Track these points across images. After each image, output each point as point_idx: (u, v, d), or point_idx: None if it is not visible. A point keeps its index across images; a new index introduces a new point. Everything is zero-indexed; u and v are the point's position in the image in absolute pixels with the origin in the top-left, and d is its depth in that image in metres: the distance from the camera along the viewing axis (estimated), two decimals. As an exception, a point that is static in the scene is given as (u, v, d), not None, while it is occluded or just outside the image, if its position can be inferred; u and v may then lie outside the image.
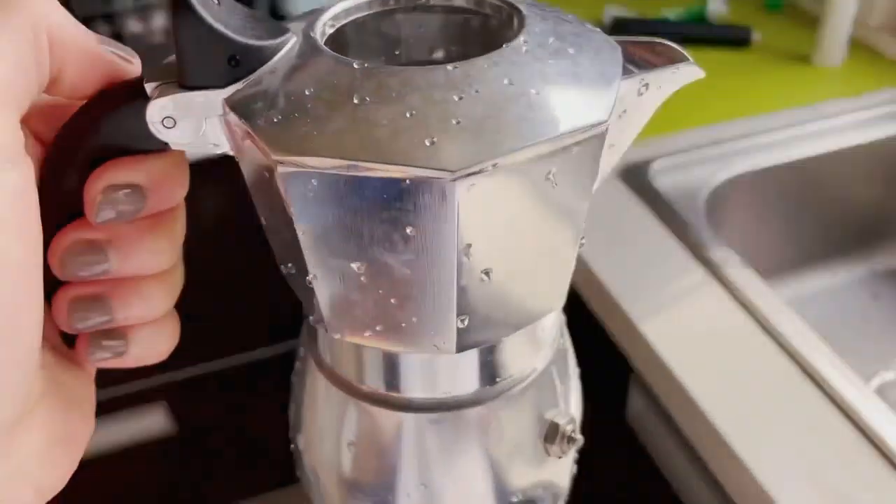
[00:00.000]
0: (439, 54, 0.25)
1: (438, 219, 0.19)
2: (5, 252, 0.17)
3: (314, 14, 0.23)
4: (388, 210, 0.19)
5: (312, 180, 0.19)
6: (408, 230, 0.19)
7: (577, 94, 0.20)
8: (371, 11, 0.24)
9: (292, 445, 0.29)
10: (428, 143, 0.18)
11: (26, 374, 0.19)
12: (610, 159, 0.23)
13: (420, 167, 0.18)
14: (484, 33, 0.24)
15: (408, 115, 0.19)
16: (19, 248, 0.18)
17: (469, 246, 0.20)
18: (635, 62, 0.22)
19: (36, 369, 0.19)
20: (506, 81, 0.19)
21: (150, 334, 0.22)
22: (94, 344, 0.21)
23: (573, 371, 0.29)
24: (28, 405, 0.19)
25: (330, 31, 0.22)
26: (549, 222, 0.21)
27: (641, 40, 0.23)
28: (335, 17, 0.23)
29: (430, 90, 0.19)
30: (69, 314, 0.21)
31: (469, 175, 0.18)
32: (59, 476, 0.20)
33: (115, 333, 0.21)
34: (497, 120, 0.19)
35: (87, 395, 0.22)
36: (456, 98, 0.19)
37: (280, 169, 0.19)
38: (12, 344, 0.18)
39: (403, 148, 0.18)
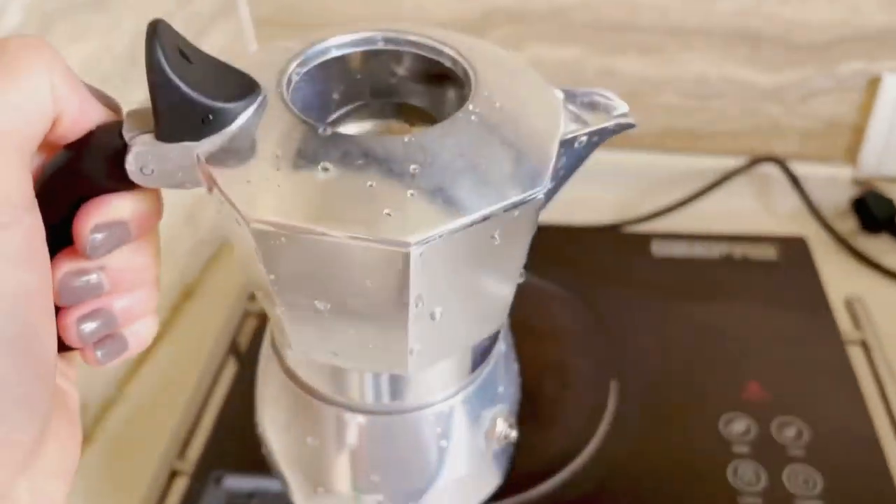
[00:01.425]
0: (404, 95, 0.27)
1: (393, 276, 0.21)
2: (26, 283, 0.19)
3: (284, 56, 0.24)
4: (348, 267, 0.22)
5: (281, 238, 0.21)
6: (367, 283, 0.22)
7: (519, 164, 0.22)
8: (339, 54, 0.26)
9: (258, 429, 0.32)
10: (386, 213, 0.21)
11: (47, 388, 0.21)
12: (546, 201, 0.25)
13: (377, 240, 0.20)
14: (442, 80, 0.26)
15: (368, 185, 0.21)
16: (35, 278, 0.20)
17: (419, 295, 0.22)
18: (577, 114, 0.24)
19: (53, 383, 0.21)
20: (456, 153, 0.22)
21: (141, 326, 0.24)
22: (102, 348, 0.24)
23: (512, 371, 0.32)
24: (49, 418, 0.21)
25: (296, 78, 0.24)
26: (491, 270, 0.24)
27: (584, 91, 0.25)
28: (303, 63, 0.25)
29: (389, 162, 0.21)
30: (79, 332, 0.23)
31: (421, 244, 0.21)
32: (67, 485, 0.23)
33: (117, 335, 0.24)
34: (448, 192, 0.21)
35: (75, 397, 0.25)
36: (411, 170, 0.21)
37: (251, 226, 0.21)
38: (38, 360, 0.20)
39: (364, 218, 0.21)
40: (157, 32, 0.20)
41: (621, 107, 0.25)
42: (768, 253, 0.50)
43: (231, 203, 0.21)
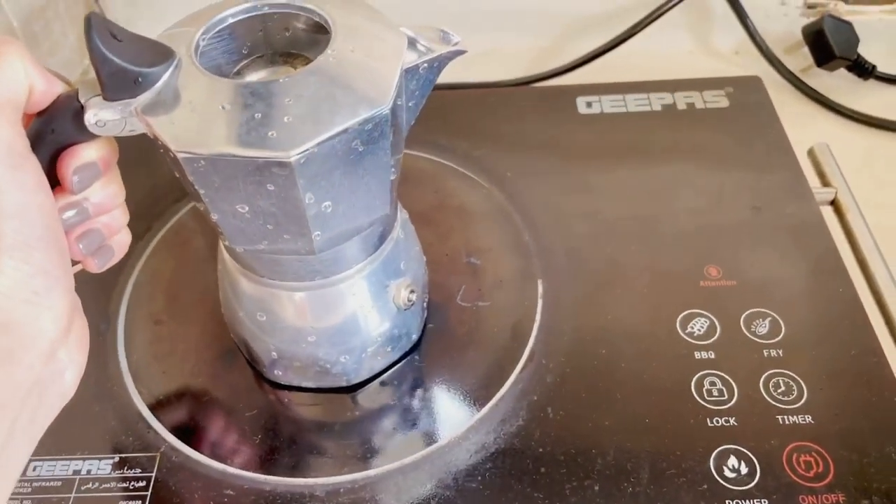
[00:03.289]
0: (290, 47, 0.35)
1: (285, 181, 0.30)
2: (44, 203, 0.28)
3: (191, 28, 0.32)
4: (252, 178, 0.30)
5: (201, 161, 0.30)
6: (269, 187, 0.31)
7: (367, 90, 0.30)
8: (235, 20, 0.34)
9: (225, 317, 0.42)
10: (271, 135, 0.29)
11: (70, 275, 0.29)
12: (412, 115, 0.34)
13: (267, 155, 0.29)
14: (318, 31, 0.34)
15: (257, 116, 0.29)
16: (49, 201, 0.28)
17: (309, 194, 0.31)
18: (420, 47, 0.33)
19: (72, 274, 0.30)
20: (319, 86, 0.30)
21: (121, 237, 0.34)
22: (97, 258, 0.33)
23: (413, 245, 0.41)
24: (75, 298, 0.30)
25: (203, 44, 0.32)
26: (361, 170, 0.32)
27: (427, 27, 0.33)
28: (206, 32, 0.33)
29: (270, 97, 0.29)
30: (80, 248, 0.32)
31: (299, 154, 0.29)
32: (85, 358, 0.32)
33: (105, 246, 0.33)
34: (314, 115, 0.29)
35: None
36: (286, 102, 0.29)
37: (178, 155, 0.30)
38: (63, 253, 0.29)
39: (255, 140, 0.29)
40: (91, 23, 0.28)
41: (455, 38, 0.33)
42: (718, 99, 0.46)
43: (163, 141, 0.30)
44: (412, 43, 0.32)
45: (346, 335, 0.39)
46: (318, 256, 0.35)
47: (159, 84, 0.30)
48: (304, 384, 0.42)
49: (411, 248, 0.41)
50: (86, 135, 0.31)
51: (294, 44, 0.35)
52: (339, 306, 0.38)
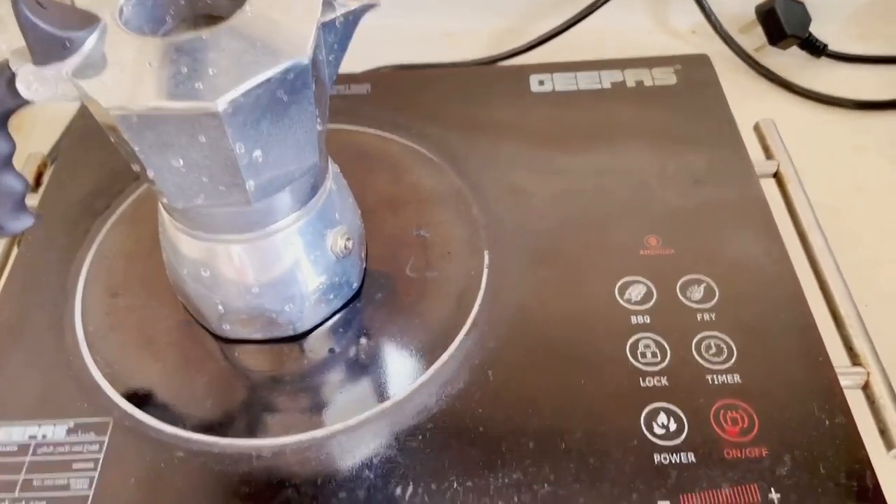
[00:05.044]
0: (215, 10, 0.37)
1: (214, 131, 0.31)
2: None
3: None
4: (184, 130, 0.31)
5: (134, 118, 0.31)
6: (201, 139, 0.32)
7: (285, 43, 0.32)
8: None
9: (170, 280, 0.43)
10: (198, 87, 0.30)
11: None
12: (334, 69, 0.35)
13: (195, 106, 0.30)
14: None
15: (183, 70, 0.31)
16: None
17: (239, 144, 0.32)
18: (333, 3, 0.34)
19: None
20: (240, 40, 0.32)
21: None
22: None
23: (346, 197, 0.43)
24: None
25: (127, 10, 0.34)
26: (288, 120, 0.34)
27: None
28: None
29: (194, 53, 0.31)
30: None
31: (227, 103, 0.30)
32: None
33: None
34: (237, 66, 0.31)
35: None
36: (210, 57, 0.31)
37: (111, 113, 0.31)
38: None
39: (183, 93, 0.30)
40: None
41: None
42: (666, 77, 0.47)
43: (95, 101, 0.31)
44: (328, 1, 0.34)
45: (288, 284, 0.41)
46: (254, 207, 0.36)
47: (87, 48, 0.32)
48: (254, 336, 0.44)
49: (345, 199, 0.43)
50: (20, 101, 0.32)
51: (216, 7, 0.36)
52: (279, 256, 0.40)
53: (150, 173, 0.34)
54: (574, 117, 0.49)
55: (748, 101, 0.48)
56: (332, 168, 0.43)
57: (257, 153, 0.33)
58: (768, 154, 0.49)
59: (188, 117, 0.31)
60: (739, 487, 0.36)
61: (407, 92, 0.56)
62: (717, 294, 0.43)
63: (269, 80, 0.31)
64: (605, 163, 0.47)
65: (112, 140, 0.34)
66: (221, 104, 0.30)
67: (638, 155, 0.47)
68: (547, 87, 0.49)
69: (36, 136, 0.62)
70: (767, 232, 0.45)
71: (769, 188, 0.47)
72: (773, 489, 0.36)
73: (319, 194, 0.40)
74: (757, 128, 0.49)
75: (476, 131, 0.52)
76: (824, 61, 0.56)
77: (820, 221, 0.46)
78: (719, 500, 0.36)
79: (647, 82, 0.48)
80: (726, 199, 0.46)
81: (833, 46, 0.57)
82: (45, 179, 0.56)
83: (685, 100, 0.48)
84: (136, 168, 0.35)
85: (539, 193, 0.49)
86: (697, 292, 0.43)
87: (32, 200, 0.54)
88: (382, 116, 0.56)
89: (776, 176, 0.48)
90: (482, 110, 0.51)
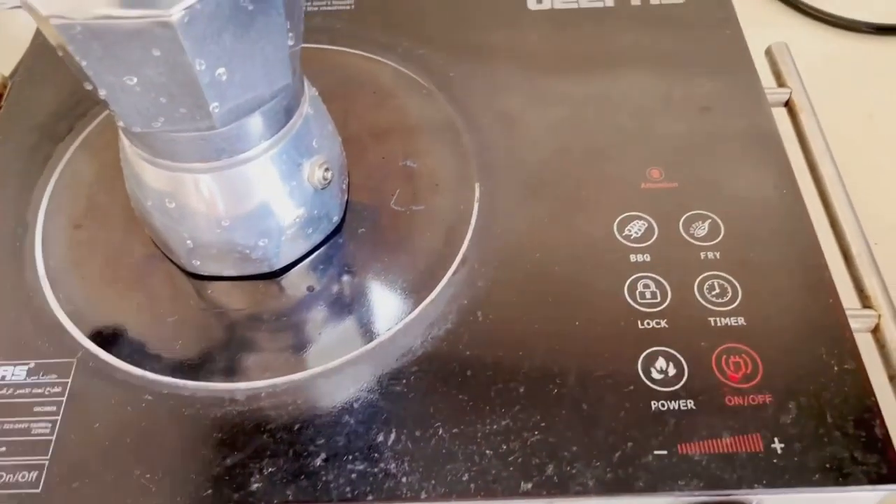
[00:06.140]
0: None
1: (170, 44, 0.28)
2: None
3: None
4: (137, 42, 0.28)
5: (77, 27, 0.27)
6: (155, 53, 0.28)
7: None
8: None
9: (136, 213, 0.40)
10: (152, -4, 0.27)
11: None
12: None
13: (148, 14, 0.27)
14: None
15: (134, -25, 0.27)
16: None
17: (199, 60, 0.29)
18: None
19: None
20: None
21: None
22: None
23: (325, 124, 0.39)
24: None
25: None
26: (257, 32, 0.30)
27: None
28: None
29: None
30: None
31: (182, 12, 0.27)
32: None
33: None
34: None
35: None
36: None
37: (53, 21, 0.27)
38: None
39: (135, 1, 0.27)
40: None
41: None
42: None
43: (36, 11, 0.27)
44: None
45: (262, 218, 0.38)
46: (220, 132, 0.33)
47: None
48: (226, 272, 0.41)
49: (323, 125, 0.40)
50: None
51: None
52: (251, 187, 0.37)
53: (102, 92, 0.30)
54: (574, 38, 0.46)
55: (759, 24, 0.46)
56: (310, 91, 0.39)
57: (220, 71, 0.30)
58: (780, 81, 0.46)
59: (139, 29, 0.27)
60: (741, 436, 0.34)
61: (394, 8, 0.52)
62: (723, 231, 0.41)
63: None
64: (605, 88, 0.44)
65: (60, 55, 0.31)
66: (176, 13, 0.26)
67: (641, 80, 0.43)
68: (545, 5, 0.47)
69: (-3, 55, 0.57)
70: (778, 165, 0.42)
71: (780, 118, 0.43)
72: (776, 438, 0.34)
73: (294, 120, 0.37)
74: (769, 52, 0.46)
75: (468, 53, 0.48)
76: (841, -19, 0.53)
77: (833, 153, 0.43)
78: (719, 449, 0.34)
79: (654, 0, 0.46)
80: (735, 130, 0.43)
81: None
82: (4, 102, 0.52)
83: (693, 20, 0.45)
84: (88, 87, 0.31)
85: (534, 121, 0.46)
86: (701, 229, 0.41)
87: (-12, 123, 0.50)
88: (366, 35, 0.52)
89: (787, 104, 0.45)
90: (475, 29, 0.48)
